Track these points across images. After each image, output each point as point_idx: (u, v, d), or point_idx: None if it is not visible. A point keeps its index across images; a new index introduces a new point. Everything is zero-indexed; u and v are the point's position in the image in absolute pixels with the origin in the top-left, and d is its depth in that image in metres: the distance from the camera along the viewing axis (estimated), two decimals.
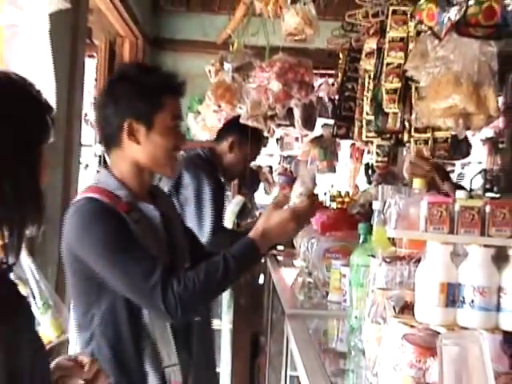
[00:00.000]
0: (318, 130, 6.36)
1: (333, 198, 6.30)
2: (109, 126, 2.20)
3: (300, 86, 4.69)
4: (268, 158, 8.86)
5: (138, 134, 2.15)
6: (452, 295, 1.53)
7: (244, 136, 4.39)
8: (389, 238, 2.03)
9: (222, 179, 4.24)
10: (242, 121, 4.84)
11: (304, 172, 2.40)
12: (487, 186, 5.19)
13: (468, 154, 5.27)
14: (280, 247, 4.84)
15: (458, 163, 6.57)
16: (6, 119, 1.54)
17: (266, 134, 5.27)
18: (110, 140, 2.23)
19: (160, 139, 2.17)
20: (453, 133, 3.64)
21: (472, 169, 5.82)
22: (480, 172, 5.56)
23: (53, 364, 1.80)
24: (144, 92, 2.17)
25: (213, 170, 4.13)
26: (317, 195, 2.41)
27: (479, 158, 6.30)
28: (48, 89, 2.67)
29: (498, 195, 4.07)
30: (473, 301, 1.52)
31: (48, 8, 2.63)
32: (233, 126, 4.53)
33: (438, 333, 1.49)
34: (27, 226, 1.60)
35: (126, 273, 2.08)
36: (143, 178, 2.25)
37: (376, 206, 2.42)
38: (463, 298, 1.53)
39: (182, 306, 2.02)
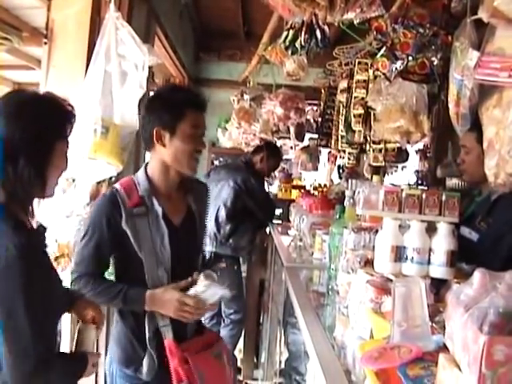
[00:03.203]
0: (306, 141, 6.34)
1: (315, 188, 6.28)
2: (145, 133, 1.98)
3: (296, 111, 4.70)
4: None
5: (164, 139, 1.92)
6: (399, 254, 1.54)
7: (270, 154, 4.52)
8: (357, 215, 2.04)
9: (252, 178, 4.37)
10: (257, 134, 4.86)
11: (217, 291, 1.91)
12: (419, 182, 5.19)
13: (407, 159, 5.24)
14: (279, 221, 4.87)
15: (400, 166, 6.56)
16: (32, 119, 1.44)
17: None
18: (147, 144, 2.00)
19: (181, 144, 1.91)
20: (398, 145, 3.64)
21: (409, 170, 5.77)
22: (414, 172, 5.55)
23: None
24: (169, 105, 1.92)
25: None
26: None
27: (414, 162, 6.27)
28: (134, 111, 2.80)
29: (426, 188, 4.05)
30: (413, 258, 1.53)
31: (149, 62, 2.77)
32: (265, 146, 4.60)
33: (390, 279, 1.50)
34: (33, 199, 1.52)
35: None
36: (169, 175, 1.99)
37: (348, 193, 2.43)
38: (406, 255, 1.54)
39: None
